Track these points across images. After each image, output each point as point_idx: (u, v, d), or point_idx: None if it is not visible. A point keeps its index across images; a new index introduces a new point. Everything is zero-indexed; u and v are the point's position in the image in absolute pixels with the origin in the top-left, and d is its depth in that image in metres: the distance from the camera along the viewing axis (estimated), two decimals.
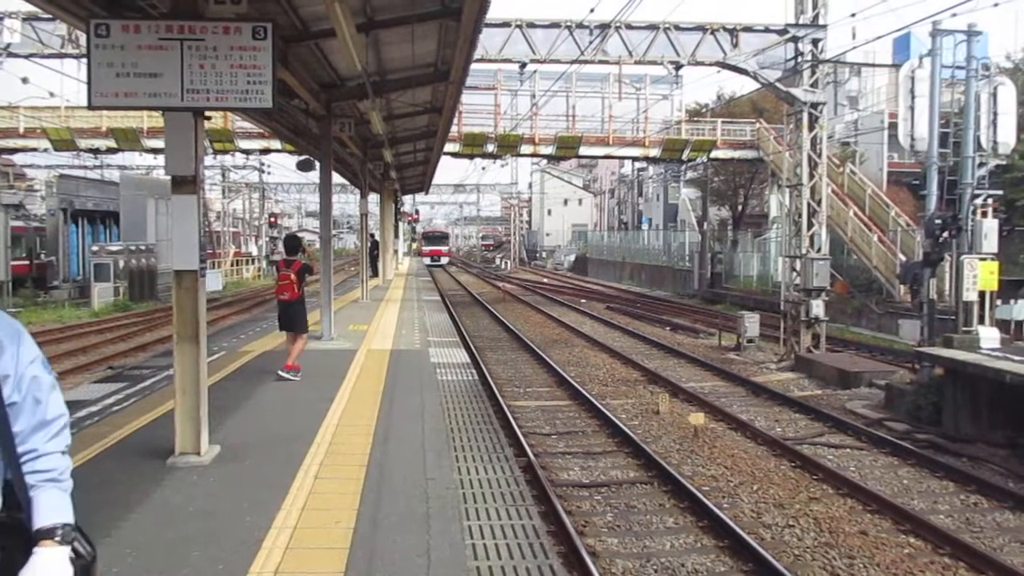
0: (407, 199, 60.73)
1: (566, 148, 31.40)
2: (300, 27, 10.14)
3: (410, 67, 13.71)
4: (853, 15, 15.92)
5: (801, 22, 17.47)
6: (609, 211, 71.81)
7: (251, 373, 10.65)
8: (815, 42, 17.52)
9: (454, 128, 25.97)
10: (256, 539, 4.73)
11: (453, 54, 11.60)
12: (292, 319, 10.32)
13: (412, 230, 70.33)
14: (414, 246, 69.00)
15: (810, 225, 17.84)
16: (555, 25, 18.63)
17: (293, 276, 10.16)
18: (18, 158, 43.52)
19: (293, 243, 10.83)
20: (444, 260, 65.40)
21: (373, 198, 32.51)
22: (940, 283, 14.46)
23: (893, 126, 31.42)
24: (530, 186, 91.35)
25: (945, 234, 12.95)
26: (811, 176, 17.89)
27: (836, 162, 28.21)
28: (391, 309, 20.08)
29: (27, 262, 34.96)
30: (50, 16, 17.29)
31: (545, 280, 49.76)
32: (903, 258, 23.04)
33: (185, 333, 6.20)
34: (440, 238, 72.51)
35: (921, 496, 8.93)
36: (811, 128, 17.80)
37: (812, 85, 17.72)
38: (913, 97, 13.88)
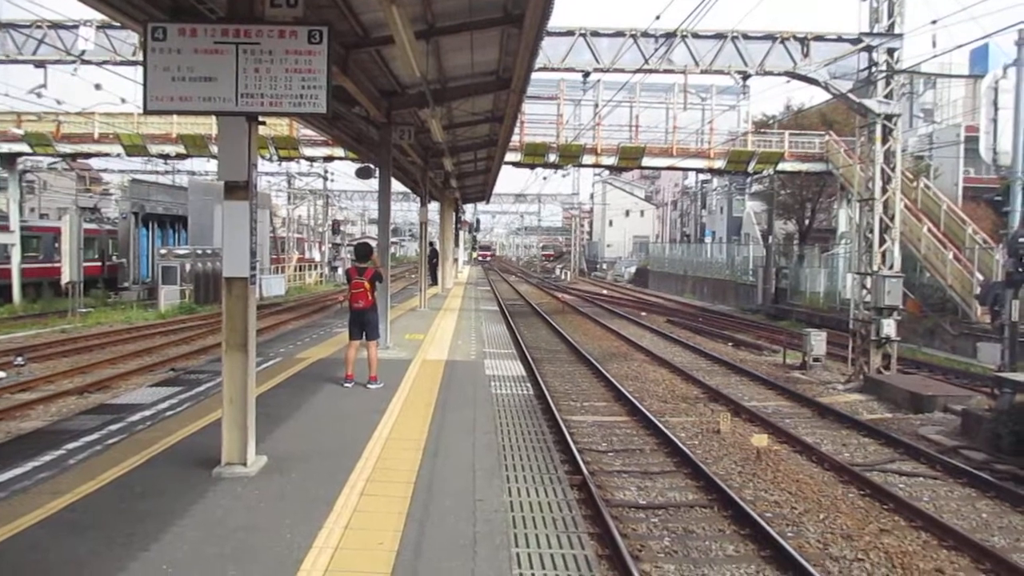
0: (467, 208, 61.12)
1: (628, 159, 30.93)
2: (361, 33, 10.06)
3: (471, 75, 13.58)
4: (934, 22, 15.29)
5: (876, 31, 16.87)
6: (671, 223, 71.04)
7: (305, 381, 10.58)
8: (890, 52, 16.88)
9: (516, 137, 25.85)
10: (295, 559, 4.57)
11: (515, 62, 11.42)
12: (368, 327, 10.26)
13: (473, 239, 75.35)
14: (474, 254, 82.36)
15: (882, 241, 17.16)
16: (619, 34, 18.34)
17: (367, 284, 10.08)
18: (94, 162, 44.91)
19: (364, 250, 10.59)
20: (489, 259, 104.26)
21: (434, 206, 32.56)
22: (1022, 304, 13.70)
23: (970, 140, 30.43)
24: (591, 197, 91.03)
25: None
26: (884, 190, 17.22)
27: (909, 176, 27.24)
28: (448, 318, 19.97)
29: (99, 263, 35.98)
30: (120, 24, 17.68)
31: (605, 292, 49.27)
32: (980, 277, 22.07)
33: (234, 341, 6.09)
34: (487, 247, 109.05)
35: (1002, 532, 8.37)
36: (885, 141, 17.16)
37: (887, 96, 17.07)
38: (996, 109, 13.33)
